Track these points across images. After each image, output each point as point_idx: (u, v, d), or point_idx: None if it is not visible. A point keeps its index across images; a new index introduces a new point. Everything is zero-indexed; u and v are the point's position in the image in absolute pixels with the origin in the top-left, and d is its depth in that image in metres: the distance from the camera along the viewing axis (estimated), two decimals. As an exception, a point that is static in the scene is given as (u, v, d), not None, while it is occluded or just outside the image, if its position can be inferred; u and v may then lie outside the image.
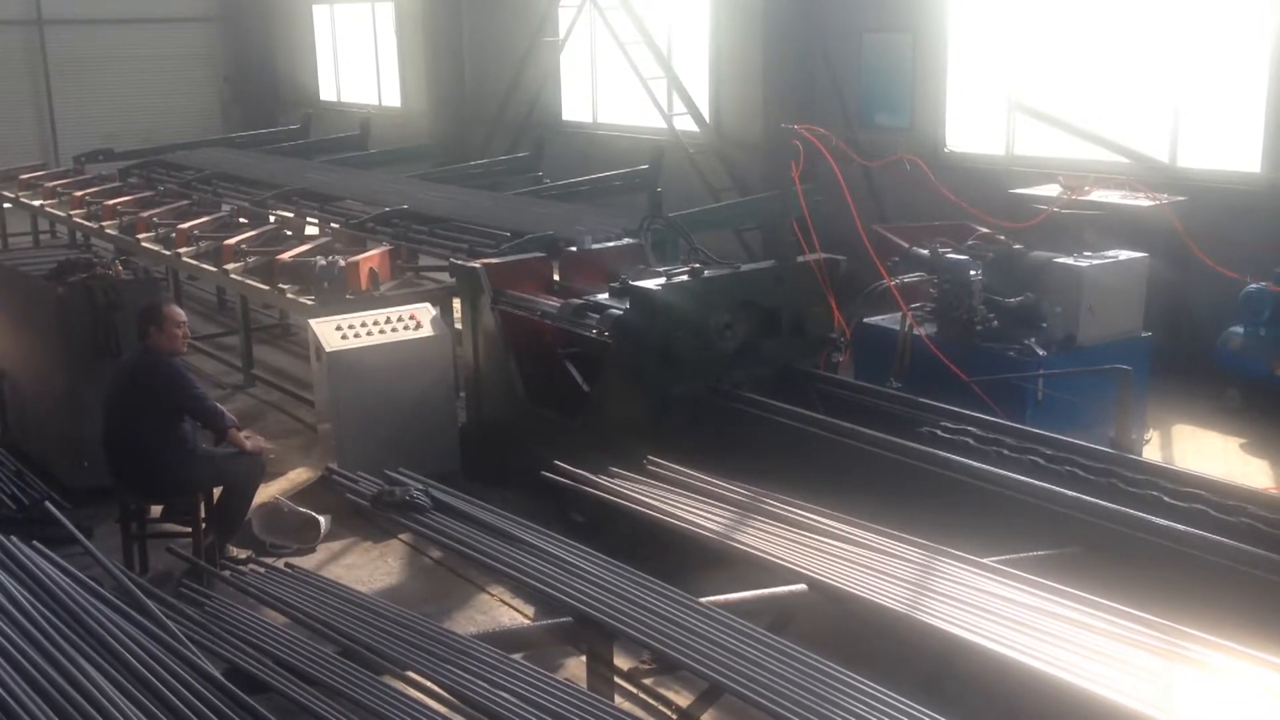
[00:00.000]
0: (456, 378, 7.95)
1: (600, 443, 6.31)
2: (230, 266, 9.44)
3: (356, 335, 7.49)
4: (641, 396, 6.52)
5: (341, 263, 8.39)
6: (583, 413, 6.88)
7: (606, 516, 5.50)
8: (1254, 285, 8.24)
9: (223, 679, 3.84)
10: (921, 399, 6.30)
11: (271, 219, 11.01)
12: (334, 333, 7.50)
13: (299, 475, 7.86)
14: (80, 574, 4.38)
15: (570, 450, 5.93)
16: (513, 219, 9.52)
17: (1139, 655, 3.87)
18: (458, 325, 8.11)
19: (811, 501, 5.16)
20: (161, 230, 10.76)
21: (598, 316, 6.81)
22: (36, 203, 13.51)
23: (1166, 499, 5.03)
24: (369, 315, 7.66)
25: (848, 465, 5.75)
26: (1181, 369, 8.46)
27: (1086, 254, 7.02)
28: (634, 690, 5.06)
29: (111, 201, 12.09)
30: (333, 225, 10.40)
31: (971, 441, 5.72)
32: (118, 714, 3.56)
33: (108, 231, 11.56)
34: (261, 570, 5.00)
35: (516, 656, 4.14)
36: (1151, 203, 8.44)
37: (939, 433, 5.83)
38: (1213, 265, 7.38)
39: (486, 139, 16.09)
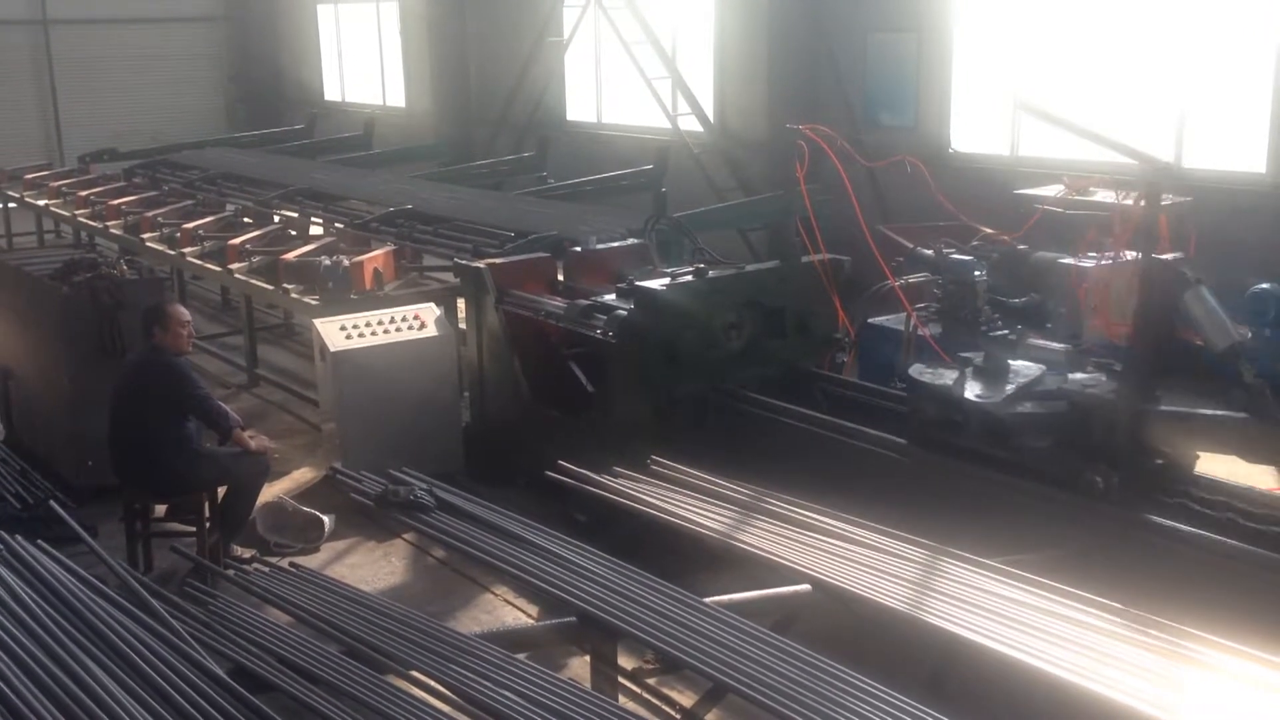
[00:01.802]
0: (461, 378, 7.95)
1: (604, 442, 6.31)
2: (235, 266, 9.45)
3: (361, 335, 7.49)
4: (646, 396, 6.52)
5: (346, 263, 8.40)
6: (587, 413, 6.88)
7: (610, 516, 5.50)
8: (1260, 286, 8.22)
9: (227, 678, 3.85)
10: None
11: (276, 219, 11.01)
12: (338, 333, 7.51)
13: (303, 475, 7.87)
14: (85, 573, 4.39)
15: (574, 450, 5.93)
16: (517, 219, 9.50)
17: (1142, 655, 3.86)
18: (462, 325, 8.11)
19: (815, 501, 5.15)
20: (166, 230, 10.77)
21: (603, 317, 6.80)
22: (41, 202, 13.51)
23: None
24: (373, 315, 7.67)
25: (852, 465, 5.75)
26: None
27: (1091, 254, 7.00)
28: (638, 690, 5.06)
29: (116, 201, 12.09)
30: (337, 225, 10.40)
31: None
32: (122, 713, 3.57)
33: (112, 231, 11.56)
34: (266, 569, 5.01)
35: (520, 656, 4.14)
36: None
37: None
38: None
39: (491, 139, 16.08)
